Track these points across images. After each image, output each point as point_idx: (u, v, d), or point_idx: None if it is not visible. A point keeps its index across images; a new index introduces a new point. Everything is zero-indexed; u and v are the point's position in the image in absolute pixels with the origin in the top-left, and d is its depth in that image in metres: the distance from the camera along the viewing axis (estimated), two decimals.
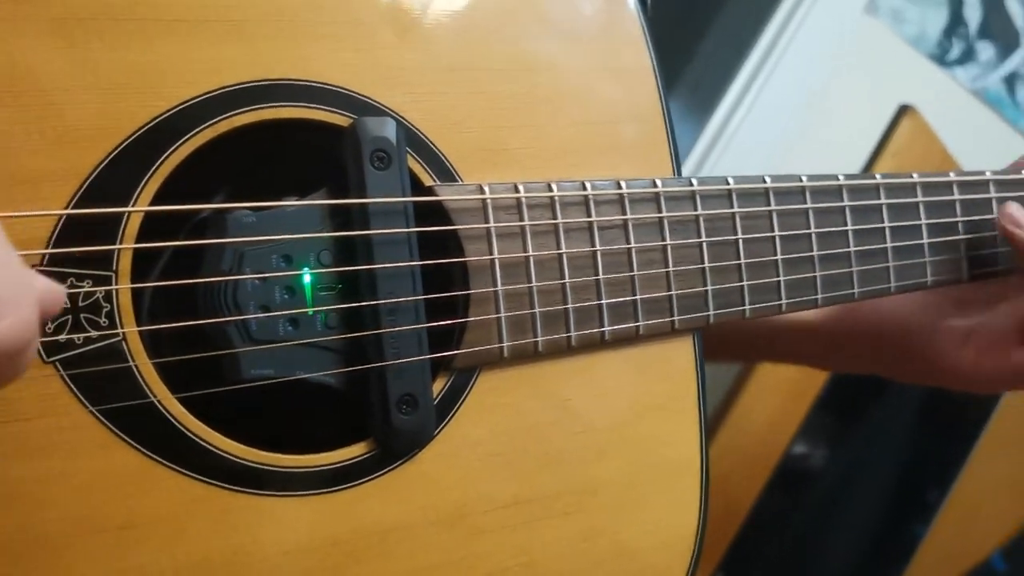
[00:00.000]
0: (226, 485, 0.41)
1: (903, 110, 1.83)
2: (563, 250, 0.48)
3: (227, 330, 0.42)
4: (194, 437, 0.40)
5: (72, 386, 0.38)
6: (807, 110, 1.95)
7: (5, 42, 0.37)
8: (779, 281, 0.54)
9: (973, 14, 2.04)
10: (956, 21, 2.03)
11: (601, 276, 0.49)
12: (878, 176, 0.57)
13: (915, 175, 0.59)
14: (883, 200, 0.58)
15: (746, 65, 1.94)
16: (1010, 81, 2.10)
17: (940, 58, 2.05)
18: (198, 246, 0.42)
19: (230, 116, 0.42)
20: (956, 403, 1.90)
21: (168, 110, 0.40)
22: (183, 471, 0.40)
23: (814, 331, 0.68)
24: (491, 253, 0.46)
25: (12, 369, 0.29)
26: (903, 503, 1.84)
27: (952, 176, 0.60)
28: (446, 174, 0.46)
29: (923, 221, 0.59)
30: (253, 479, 0.41)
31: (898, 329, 0.65)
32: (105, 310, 0.39)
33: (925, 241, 0.59)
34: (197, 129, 0.41)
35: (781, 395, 1.59)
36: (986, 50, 2.07)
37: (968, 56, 2.06)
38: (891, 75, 2.03)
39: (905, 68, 2.03)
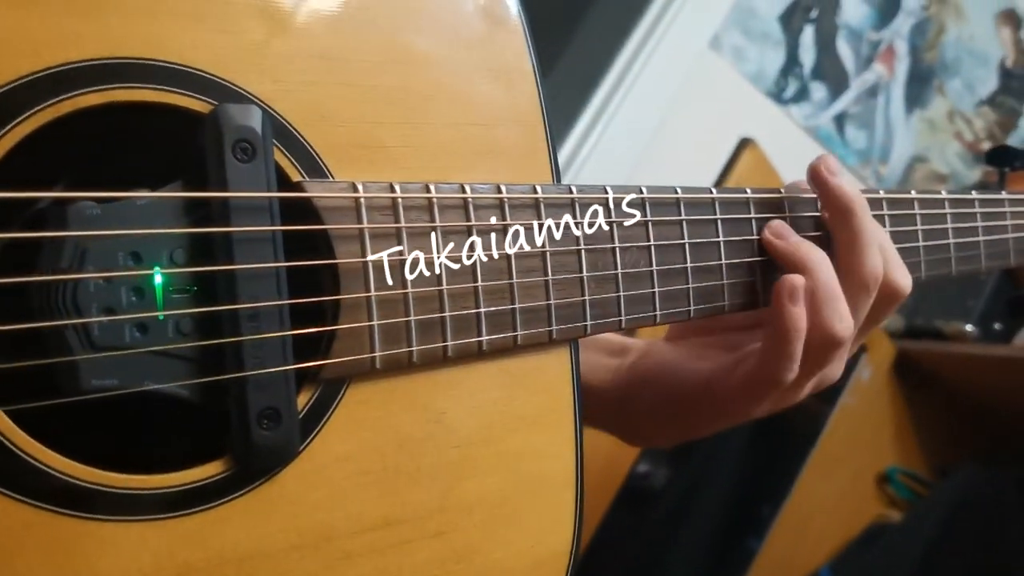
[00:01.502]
0: (60, 509, 0.36)
1: (744, 143, 1.91)
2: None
3: (65, 334, 0.37)
4: (22, 455, 0.35)
5: None
6: (655, 138, 2.02)
7: None
8: (653, 292, 0.53)
9: (807, 56, 2.16)
10: (792, 62, 2.14)
11: (480, 283, 0.46)
12: (749, 191, 0.58)
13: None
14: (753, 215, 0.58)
15: (597, 95, 1.99)
16: (839, 120, 2.23)
17: (777, 96, 2.16)
18: (34, 239, 0.37)
19: (74, 96, 0.37)
20: (786, 423, 1.99)
21: (3, 84, 0.36)
22: (10, 494, 0.35)
23: (604, 393, 0.67)
24: (364, 255, 0.43)
25: None
26: (739, 518, 1.90)
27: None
28: (316, 170, 0.43)
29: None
30: (91, 502, 0.37)
31: (658, 374, 0.65)
32: None
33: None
34: (36, 108, 0.36)
35: None
36: (819, 90, 2.20)
37: (802, 95, 2.18)
38: (732, 109, 2.12)
39: (745, 103, 2.14)
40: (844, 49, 2.22)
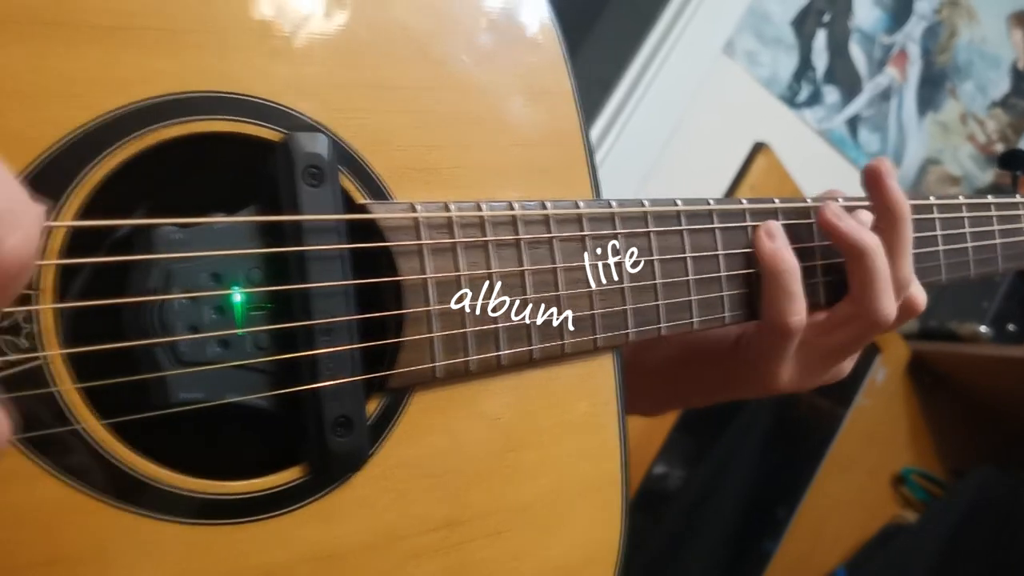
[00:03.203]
0: (156, 515, 0.39)
1: (758, 147, 1.93)
2: (493, 270, 0.48)
3: (155, 352, 0.40)
4: (122, 466, 0.38)
5: None
6: (670, 143, 2.04)
7: None
8: (690, 301, 0.56)
9: (820, 60, 2.18)
10: (805, 65, 2.17)
11: (529, 296, 0.49)
12: (777, 200, 0.61)
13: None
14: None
15: (611, 101, 2.01)
16: (852, 123, 2.25)
17: (790, 100, 2.18)
18: (127, 262, 0.40)
19: (157, 128, 0.40)
20: (802, 426, 2.00)
21: (94, 119, 0.38)
22: (111, 502, 0.38)
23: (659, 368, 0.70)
24: (424, 271, 0.46)
25: (14, 289, 0.28)
26: (754, 520, 1.91)
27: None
28: (377, 192, 0.46)
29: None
30: (184, 507, 0.39)
31: (728, 345, 0.67)
32: (25, 331, 0.36)
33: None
34: (123, 140, 0.39)
35: (644, 419, 1.63)
36: (831, 94, 2.22)
37: (815, 99, 2.20)
38: (745, 113, 2.14)
39: (758, 108, 2.16)
40: (857, 53, 2.24)
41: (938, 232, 0.74)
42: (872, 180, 0.62)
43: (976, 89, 2.43)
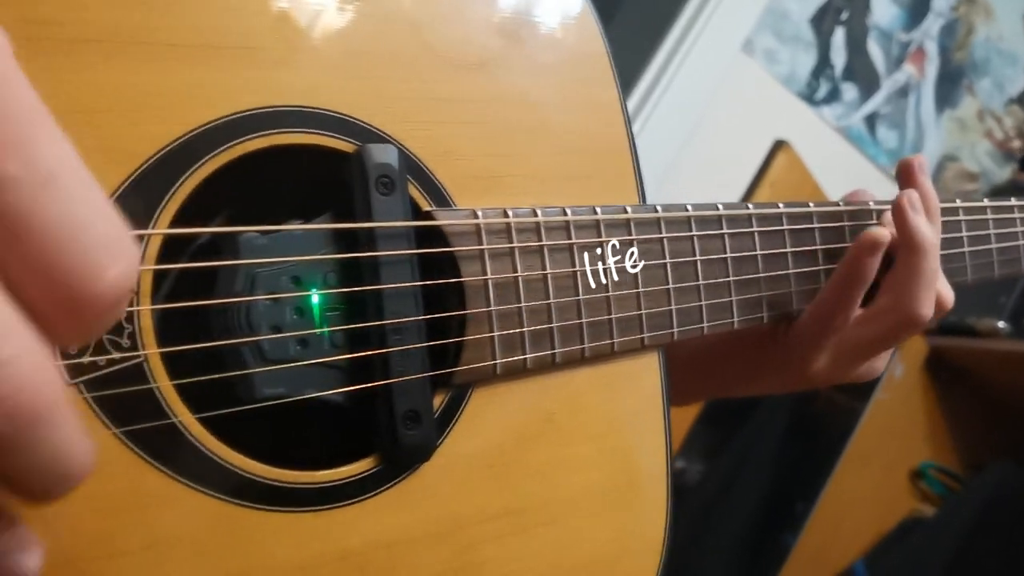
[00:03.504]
0: (244, 503, 0.41)
1: (778, 145, 1.95)
2: (548, 271, 0.51)
3: (241, 351, 0.43)
4: (213, 456, 0.41)
5: (96, 408, 0.38)
6: (690, 141, 2.06)
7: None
8: (731, 301, 0.58)
9: (839, 57, 2.20)
10: (823, 63, 2.18)
11: (581, 296, 0.52)
12: (812, 204, 0.63)
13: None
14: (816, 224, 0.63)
15: (631, 99, 2.03)
16: (871, 120, 2.27)
17: (809, 97, 2.19)
18: (220, 267, 0.42)
19: (244, 141, 0.43)
20: (821, 421, 2.02)
21: (186, 133, 0.41)
22: (203, 490, 0.41)
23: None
24: (485, 274, 0.48)
25: (113, 317, 0.28)
26: (774, 514, 1.93)
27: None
28: (441, 200, 0.48)
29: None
30: (269, 496, 0.42)
31: (757, 343, 0.70)
32: (127, 331, 0.39)
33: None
34: (213, 153, 0.42)
35: None
36: (850, 91, 2.23)
37: (834, 96, 2.22)
38: (765, 111, 2.16)
39: (777, 105, 2.17)
40: (875, 50, 2.26)
41: (964, 233, 0.76)
42: (907, 175, 0.65)
43: (993, 86, 2.44)
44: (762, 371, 0.69)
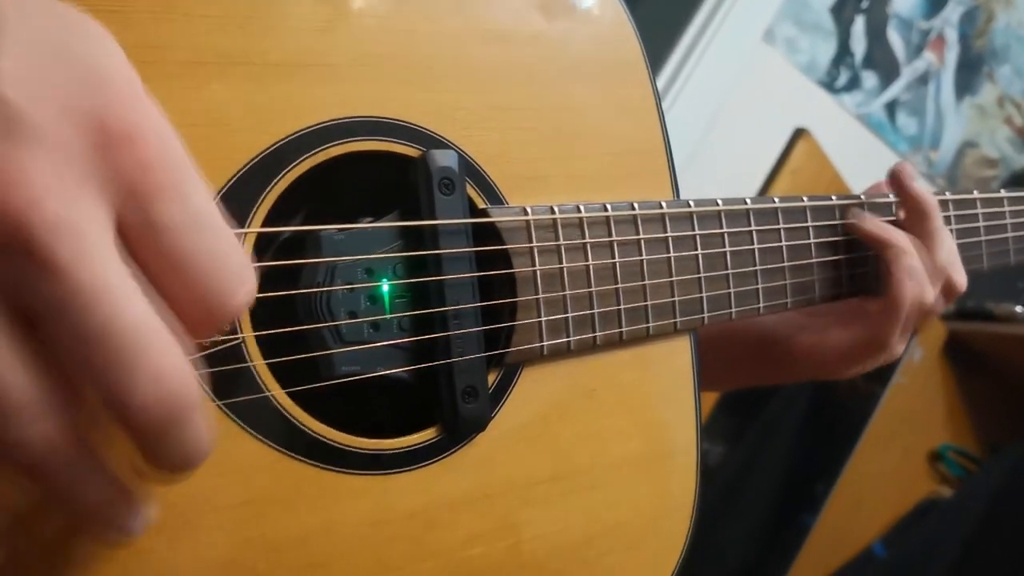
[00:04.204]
0: (327, 466, 0.47)
1: (799, 133, 1.98)
2: (590, 262, 0.56)
3: (323, 333, 0.48)
4: (301, 426, 0.47)
5: (202, 383, 0.44)
6: (712, 129, 2.10)
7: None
8: (757, 288, 0.64)
9: (859, 45, 2.23)
10: (844, 51, 2.21)
11: (620, 285, 0.57)
12: (835, 197, 0.68)
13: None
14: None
15: None
16: (891, 108, 2.30)
17: (829, 85, 2.23)
18: (309, 264, 0.48)
19: (325, 148, 0.48)
20: (840, 404, 2.05)
21: (276, 143, 0.47)
22: (292, 455, 0.46)
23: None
24: (533, 265, 0.54)
25: (229, 327, 0.35)
26: (794, 495, 1.96)
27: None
28: (495, 198, 0.54)
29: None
30: (349, 460, 0.48)
31: (757, 333, 0.75)
32: None
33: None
34: (300, 159, 0.47)
35: None
36: (870, 79, 2.26)
37: (854, 84, 2.25)
38: (785, 99, 2.19)
39: (798, 93, 2.21)
40: (895, 38, 2.28)
41: (980, 223, 0.81)
42: (896, 182, 0.70)
43: (1013, 73, 2.46)
44: (782, 365, 0.74)
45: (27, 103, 0.29)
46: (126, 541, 0.35)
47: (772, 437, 2.03)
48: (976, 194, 0.80)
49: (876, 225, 0.68)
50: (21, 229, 0.28)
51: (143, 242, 0.32)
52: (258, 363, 0.46)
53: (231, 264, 0.33)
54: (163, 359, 0.31)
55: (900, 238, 0.68)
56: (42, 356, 0.30)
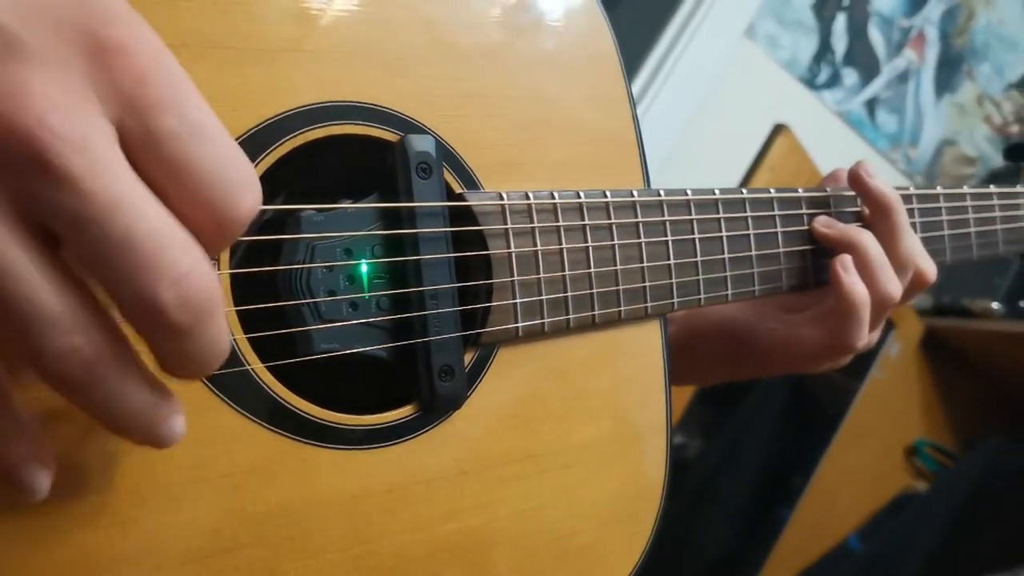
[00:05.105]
0: (307, 440, 0.49)
1: (778, 128, 2.00)
2: (563, 246, 0.58)
3: (302, 310, 0.50)
4: (282, 401, 0.48)
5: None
6: (692, 124, 2.12)
7: None
8: (726, 276, 0.65)
9: (840, 42, 2.25)
10: (825, 48, 2.24)
11: (592, 269, 0.59)
12: (801, 190, 0.70)
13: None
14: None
15: (634, 84, 2.08)
16: (871, 105, 2.33)
17: (810, 82, 2.25)
18: (285, 240, 0.49)
19: (304, 131, 0.50)
20: (817, 398, 2.07)
21: (257, 124, 0.48)
22: (273, 428, 0.48)
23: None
24: (508, 248, 0.55)
25: (237, 237, 0.35)
26: (770, 488, 1.98)
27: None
28: (471, 183, 0.55)
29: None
30: (328, 435, 0.50)
31: (730, 330, 0.77)
32: None
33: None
34: (281, 141, 0.49)
35: None
36: (850, 76, 2.29)
37: (835, 81, 2.27)
38: (766, 95, 2.22)
39: (779, 89, 2.23)
40: (875, 36, 2.31)
41: (944, 218, 0.83)
42: (856, 181, 0.72)
43: (993, 71, 2.49)
44: (758, 360, 0.75)
45: (22, 24, 0.30)
46: (168, 444, 0.36)
47: (749, 430, 2.04)
48: (939, 189, 0.82)
49: (840, 231, 0.70)
50: (33, 145, 0.29)
51: (145, 154, 0.32)
52: (239, 337, 0.47)
53: (235, 170, 0.34)
54: (185, 258, 0.31)
55: (851, 236, 0.69)
56: (67, 272, 0.31)
